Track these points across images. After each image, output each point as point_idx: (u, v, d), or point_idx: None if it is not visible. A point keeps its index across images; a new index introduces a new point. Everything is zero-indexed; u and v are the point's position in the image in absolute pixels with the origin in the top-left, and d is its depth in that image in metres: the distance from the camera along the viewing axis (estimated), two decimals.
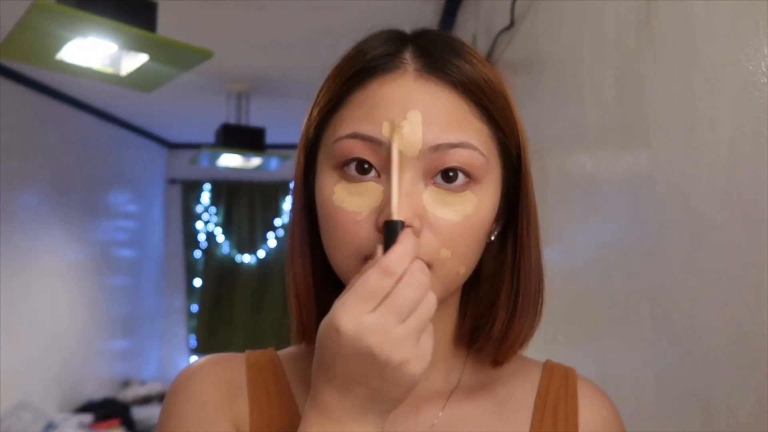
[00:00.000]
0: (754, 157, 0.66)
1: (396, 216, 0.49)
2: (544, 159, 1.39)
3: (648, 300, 0.91)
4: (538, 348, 0.65)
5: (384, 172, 0.52)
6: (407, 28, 0.59)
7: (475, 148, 0.52)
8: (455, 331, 0.62)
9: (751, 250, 0.66)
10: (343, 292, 0.48)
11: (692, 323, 0.79)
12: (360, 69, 0.54)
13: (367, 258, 0.51)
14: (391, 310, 0.46)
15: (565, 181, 1.30)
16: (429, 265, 0.51)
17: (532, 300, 0.59)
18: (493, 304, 0.60)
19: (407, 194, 0.51)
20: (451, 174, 0.52)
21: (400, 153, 0.51)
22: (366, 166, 0.52)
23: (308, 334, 0.61)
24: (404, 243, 0.48)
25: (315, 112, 0.57)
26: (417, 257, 0.48)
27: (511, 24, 1.61)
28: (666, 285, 0.85)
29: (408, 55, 0.54)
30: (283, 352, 0.65)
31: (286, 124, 3.92)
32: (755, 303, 0.65)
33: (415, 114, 0.51)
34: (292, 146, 4.24)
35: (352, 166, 0.52)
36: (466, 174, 0.52)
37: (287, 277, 0.61)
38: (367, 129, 0.52)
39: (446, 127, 0.52)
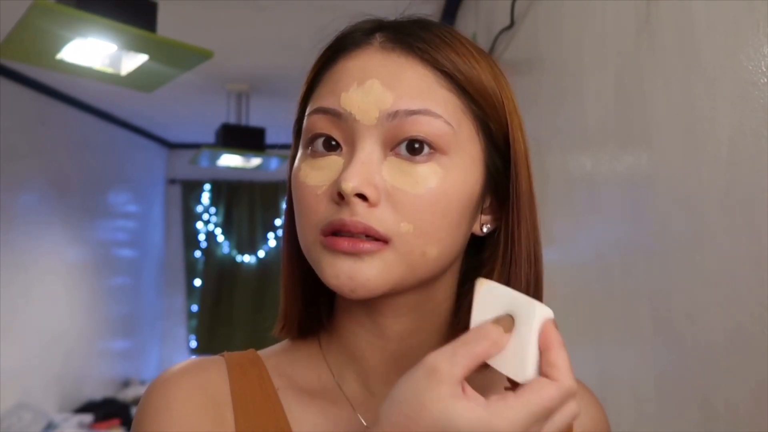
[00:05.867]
0: (754, 157, 0.66)
1: (347, 183, 0.47)
2: (544, 159, 1.39)
3: (648, 300, 0.91)
4: None
5: (346, 144, 0.51)
6: None
7: (437, 116, 0.49)
8: (448, 332, 0.57)
9: (751, 249, 0.66)
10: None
11: (692, 323, 0.78)
12: (330, 48, 0.55)
13: (324, 231, 0.49)
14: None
15: (566, 181, 1.30)
16: (388, 240, 0.48)
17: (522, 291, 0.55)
18: None
19: (363, 162, 0.49)
20: (416, 146, 0.49)
21: (359, 122, 0.50)
22: (333, 142, 0.51)
23: (288, 326, 0.59)
24: (563, 355, 0.44)
25: (298, 101, 0.58)
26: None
27: (511, 24, 1.60)
28: (666, 285, 0.85)
29: (378, 33, 0.54)
30: (264, 354, 0.60)
31: (286, 124, 3.86)
32: (755, 303, 0.65)
33: (372, 82, 0.50)
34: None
35: (319, 142, 0.52)
36: (430, 145, 0.49)
37: (281, 266, 0.60)
38: (327, 102, 0.51)
39: (406, 94, 0.50)
